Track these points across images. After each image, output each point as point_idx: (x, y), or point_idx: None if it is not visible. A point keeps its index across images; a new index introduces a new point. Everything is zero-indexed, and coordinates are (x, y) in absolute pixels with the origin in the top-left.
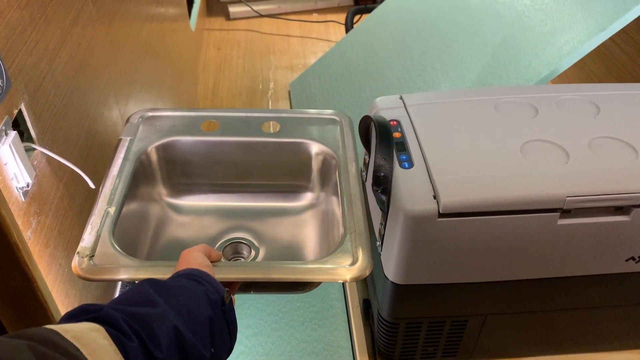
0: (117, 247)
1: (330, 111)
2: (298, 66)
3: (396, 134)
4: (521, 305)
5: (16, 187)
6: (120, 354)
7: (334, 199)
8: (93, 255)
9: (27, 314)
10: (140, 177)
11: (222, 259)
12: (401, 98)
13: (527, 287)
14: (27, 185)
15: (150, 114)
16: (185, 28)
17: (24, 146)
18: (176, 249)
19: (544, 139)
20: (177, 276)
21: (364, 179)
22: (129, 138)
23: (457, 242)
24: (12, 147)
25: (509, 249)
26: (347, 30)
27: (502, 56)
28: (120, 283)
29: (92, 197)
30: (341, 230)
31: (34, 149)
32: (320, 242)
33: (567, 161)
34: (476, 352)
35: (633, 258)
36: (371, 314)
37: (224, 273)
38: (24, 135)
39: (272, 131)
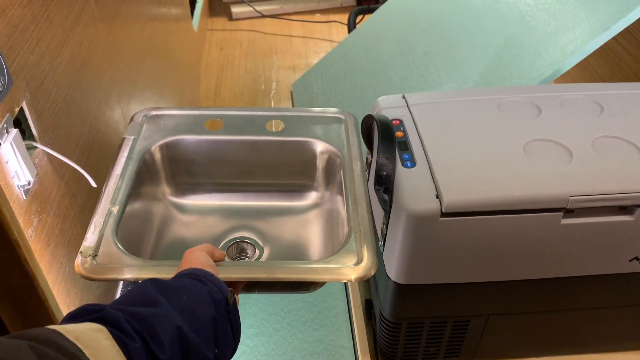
0: (120, 247)
1: (334, 109)
2: (300, 66)
3: (398, 133)
4: (524, 306)
5: (17, 185)
6: (122, 355)
7: (338, 198)
8: (96, 255)
9: (27, 312)
10: (144, 176)
11: (226, 259)
12: (404, 97)
13: (529, 287)
14: (29, 184)
15: (154, 112)
16: (188, 28)
17: (26, 144)
18: (180, 248)
19: (547, 138)
20: (180, 276)
21: (367, 179)
22: (132, 137)
23: (459, 242)
24: (14, 145)
25: (511, 248)
26: (349, 31)
27: (505, 56)
28: (121, 282)
29: (94, 195)
30: (346, 229)
31: (36, 147)
32: (324, 241)
33: (571, 161)
34: (479, 352)
35: (637, 258)
36: (373, 314)
37: (227, 273)
38: (26, 133)
39: (276, 130)
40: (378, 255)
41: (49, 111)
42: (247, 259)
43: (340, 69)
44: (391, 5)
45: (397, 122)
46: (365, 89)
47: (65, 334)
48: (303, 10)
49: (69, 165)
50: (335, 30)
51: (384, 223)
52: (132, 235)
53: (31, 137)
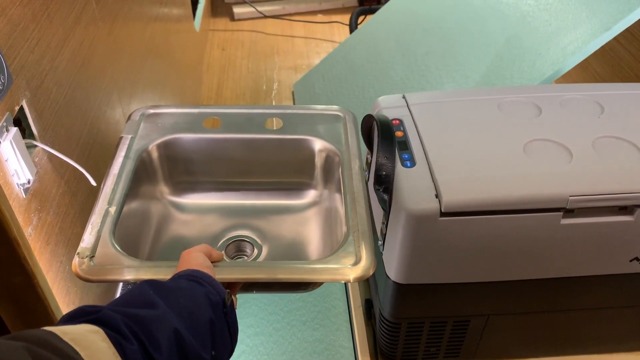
0: (118, 247)
1: (333, 107)
2: (302, 67)
3: (398, 133)
4: (524, 306)
5: (17, 184)
6: (119, 357)
7: (337, 196)
8: (93, 256)
9: (27, 310)
10: (141, 175)
11: (224, 258)
12: (404, 97)
13: (529, 288)
14: (28, 182)
15: (152, 111)
16: (190, 28)
17: (26, 143)
18: (179, 247)
19: (547, 138)
20: (178, 277)
21: (367, 179)
22: (130, 136)
23: (459, 242)
24: (13, 144)
25: (511, 248)
26: (351, 31)
27: (506, 56)
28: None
29: (94, 194)
30: (344, 228)
31: (36, 145)
32: (323, 239)
33: (571, 160)
34: (479, 352)
35: (637, 258)
36: (373, 314)
37: (225, 273)
38: (26, 132)
39: (274, 128)
40: (377, 255)
41: (49, 110)
42: (245, 258)
43: (342, 69)
44: (392, 5)
45: (397, 121)
46: (366, 89)
47: (62, 336)
48: (305, 10)
49: (69, 164)
50: (337, 30)
51: (383, 223)
52: (130, 235)
53: (31, 135)
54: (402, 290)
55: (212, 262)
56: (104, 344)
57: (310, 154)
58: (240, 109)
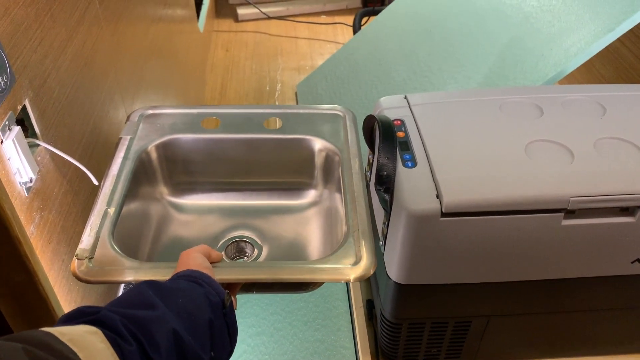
0: (117, 249)
1: (332, 106)
2: (305, 68)
3: (400, 134)
4: (525, 307)
5: (19, 182)
6: (118, 358)
7: (337, 196)
8: (92, 257)
9: (28, 307)
10: (140, 176)
11: (224, 259)
12: (405, 98)
13: (530, 289)
14: (30, 181)
15: (151, 111)
16: (193, 29)
17: (28, 142)
18: (178, 248)
19: (548, 139)
20: (177, 278)
21: (368, 179)
22: (128, 137)
23: (460, 242)
24: (16, 142)
25: (512, 249)
26: (354, 32)
27: (509, 57)
28: None
29: (96, 194)
30: (344, 228)
31: (38, 144)
32: (324, 239)
33: (572, 161)
34: (480, 354)
35: (639, 260)
36: (374, 315)
37: (225, 274)
38: (28, 131)
39: (274, 127)
40: (379, 255)
41: (51, 109)
42: (245, 258)
43: (345, 70)
44: (396, 7)
45: (399, 122)
46: (369, 90)
47: (60, 337)
48: (309, 12)
49: (72, 163)
50: (341, 31)
51: (384, 223)
52: (130, 236)
53: (34, 134)
54: (403, 291)
55: (211, 263)
56: (103, 345)
57: (310, 154)
58: (239, 108)
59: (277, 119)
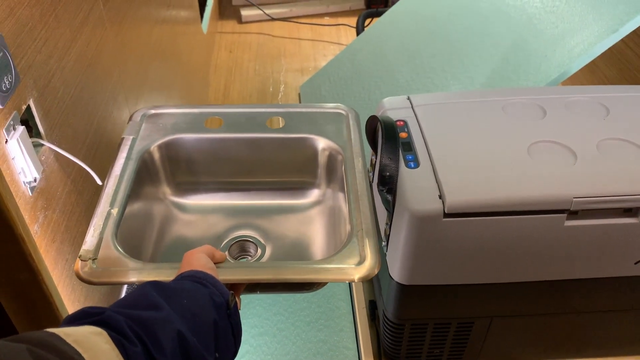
0: (120, 249)
1: (335, 105)
2: (308, 69)
3: (402, 134)
4: (527, 308)
5: (23, 182)
6: (122, 359)
7: (340, 195)
8: (95, 258)
9: (32, 306)
10: (143, 176)
11: (227, 259)
12: (408, 99)
13: (533, 290)
14: (35, 180)
15: (153, 111)
16: (197, 31)
17: (32, 142)
18: (182, 248)
19: (551, 140)
20: (181, 278)
21: (371, 180)
22: (131, 137)
23: (462, 243)
24: (20, 142)
25: (514, 250)
26: (357, 34)
27: (512, 59)
28: None
29: (99, 194)
30: (348, 227)
31: (42, 144)
32: (327, 239)
33: (575, 162)
34: (482, 355)
35: None
36: (377, 315)
37: (229, 274)
38: (32, 131)
39: (277, 127)
40: (381, 256)
41: (56, 109)
42: (249, 258)
43: (348, 71)
44: (399, 8)
45: (402, 123)
46: (372, 91)
47: (64, 337)
48: (312, 13)
49: (76, 163)
50: (344, 33)
51: (387, 223)
52: (133, 236)
53: (38, 134)
54: (406, 292)
55: (215, 263)
56: (107, 346)
57: (313, 153)
58: (242, 108)
59: (280, 118)
